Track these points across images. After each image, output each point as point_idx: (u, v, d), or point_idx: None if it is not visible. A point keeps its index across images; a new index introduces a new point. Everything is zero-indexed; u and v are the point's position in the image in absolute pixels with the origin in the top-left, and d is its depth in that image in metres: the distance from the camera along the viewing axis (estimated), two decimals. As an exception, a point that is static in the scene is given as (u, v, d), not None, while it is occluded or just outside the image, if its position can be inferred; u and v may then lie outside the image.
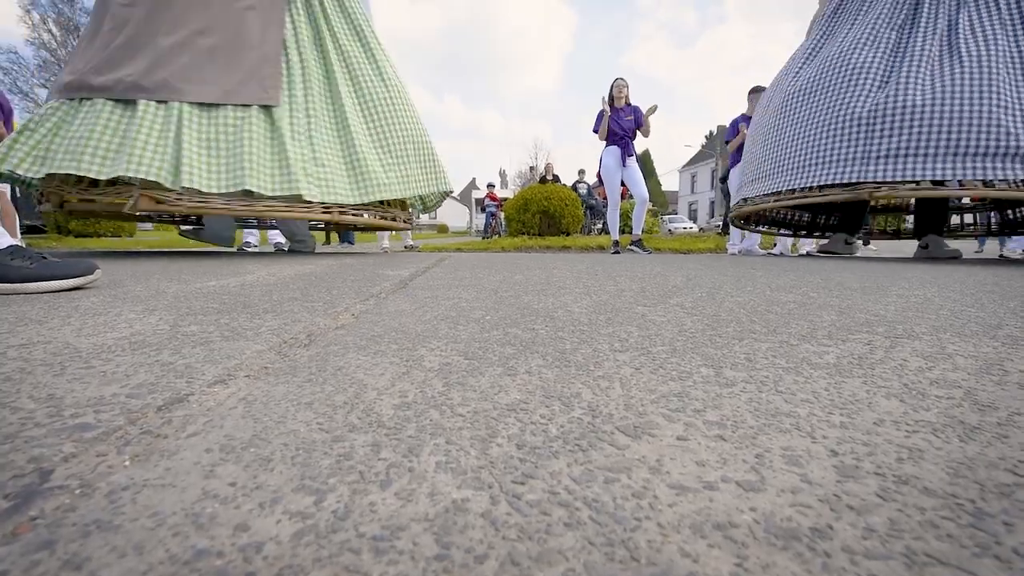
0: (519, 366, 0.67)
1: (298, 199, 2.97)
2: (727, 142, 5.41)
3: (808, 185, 3.41)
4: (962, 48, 3.07)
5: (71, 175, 2.73)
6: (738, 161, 5.02)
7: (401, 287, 1.57)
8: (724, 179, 6.30)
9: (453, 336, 0.85)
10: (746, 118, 5.13)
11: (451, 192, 4.03)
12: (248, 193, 2.89)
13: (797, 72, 3.76)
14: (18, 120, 4.43)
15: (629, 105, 4.63)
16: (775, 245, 5.16)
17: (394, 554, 0.28)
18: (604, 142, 4.68)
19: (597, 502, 0.33)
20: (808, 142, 3.44)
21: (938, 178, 2.96)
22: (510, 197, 11.40)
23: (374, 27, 3.72)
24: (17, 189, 4.19)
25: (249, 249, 4.37)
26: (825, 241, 4.91)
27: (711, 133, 45.16)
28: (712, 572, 0.26)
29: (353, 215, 3.34)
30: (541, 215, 8.92)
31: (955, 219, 4.82)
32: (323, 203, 3.06)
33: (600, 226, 11.52)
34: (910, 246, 5.15)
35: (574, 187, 10.93)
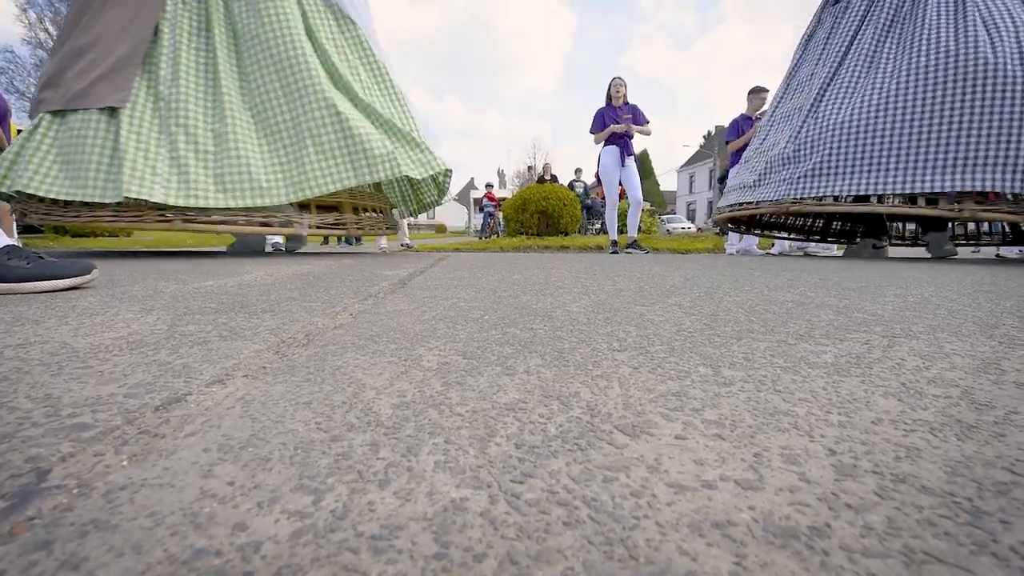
0: (518, 365, 0.67)
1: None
2: (727, 142, 5.41)
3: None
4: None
5: None
6: (737, 162, 5.02)
7: (399, 287, 1.57)
8: (722, 179, 6.29)
9: (452, 336, 0.85)
10: (747, 118, 5.14)
11: (435, 173, 3.45)
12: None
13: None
14: (16, 122, 4.42)
15: (627, 104, 4.63)
16: (773, 245, 5.17)
17: (393, 553, 0.28)
18: (601, 143, 4.69)
19: (596, 501, 0.33)
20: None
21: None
22: (508, 197, 11.39)
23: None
24: None
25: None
26: (812, 245, 4.96)
27: (709, 133, 45.27)
28: (711, 571, 0.26)
29: (256, 222, 3.00)
30: (539, 215, 8.91)
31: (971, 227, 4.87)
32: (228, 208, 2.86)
33: (598, 226, 11.52)
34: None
35: (570, 186, 10.90)
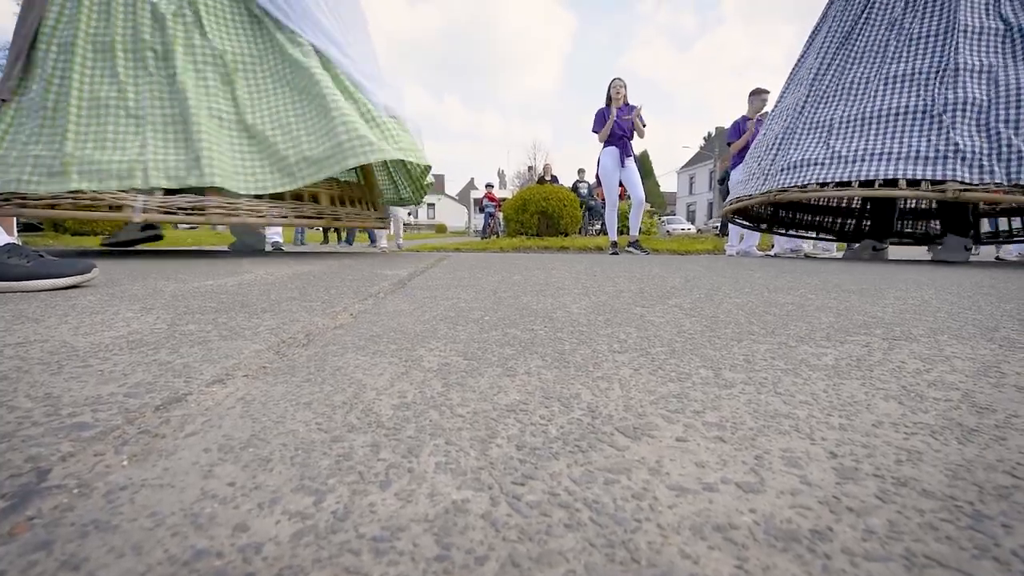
0: (518, 367, 0.67)
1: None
2: (729, 143, 5.41)
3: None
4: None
5: None
6: (739, 163, 5.03)
7: (400, 287, 1.57)
8: (722, 180, 6.30)
9: (452, 336, 0.85)
10: (747, 119, 5.15)
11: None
12: None
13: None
14: None
15: (627, 105, 4.64)
16: (772, 247, 5.17)
17: (394, 555, 0.28)
18: (603, 143, 4.70)
19: (597, 503, 0.33)
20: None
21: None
22: (508, 197, 11.40)
23: None
24: None
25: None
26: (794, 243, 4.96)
27: (710, 135, 45.30)
28: (712, 574, 0.26)
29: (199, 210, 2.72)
30: (539, 215, 8.92)
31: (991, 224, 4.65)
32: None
33: (598, 227, 11.52)
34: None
35: (574, 187, 10.90)
